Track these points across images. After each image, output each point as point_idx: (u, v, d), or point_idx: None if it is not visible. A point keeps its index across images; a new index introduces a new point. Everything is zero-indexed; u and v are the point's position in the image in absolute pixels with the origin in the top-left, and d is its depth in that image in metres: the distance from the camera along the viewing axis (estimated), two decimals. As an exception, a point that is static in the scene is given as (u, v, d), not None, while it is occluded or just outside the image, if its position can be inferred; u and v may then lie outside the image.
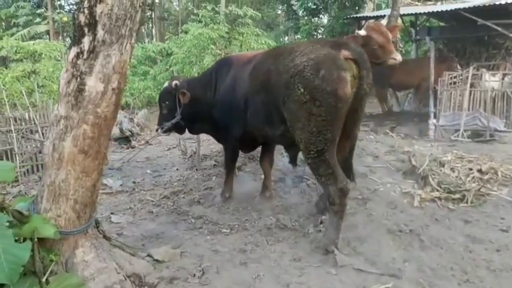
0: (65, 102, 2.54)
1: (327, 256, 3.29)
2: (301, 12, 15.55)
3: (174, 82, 4.61)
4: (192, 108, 4.53)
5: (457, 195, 4.38)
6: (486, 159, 5.46)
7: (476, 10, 8.16)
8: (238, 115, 4.03)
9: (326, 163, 3.21)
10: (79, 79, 2.49)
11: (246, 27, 11.75)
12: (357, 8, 14.99)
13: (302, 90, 3.14)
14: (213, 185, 5.36)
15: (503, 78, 8.78)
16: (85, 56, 2.46)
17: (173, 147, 8.65)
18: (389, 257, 3.25)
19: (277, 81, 3.40)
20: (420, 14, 10.07)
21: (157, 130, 4.98)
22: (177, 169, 6.66)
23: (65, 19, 18.41)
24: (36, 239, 2.58)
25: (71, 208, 2.74)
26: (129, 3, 2.47)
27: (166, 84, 4.89)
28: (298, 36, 15.49)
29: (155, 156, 7.94)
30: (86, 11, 2.41)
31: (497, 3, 7.94)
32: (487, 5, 8.05)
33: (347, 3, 14.70)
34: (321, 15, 15.38)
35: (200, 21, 12.03)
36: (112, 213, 4.66)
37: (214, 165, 6.39)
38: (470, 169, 5.08)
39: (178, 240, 3.86)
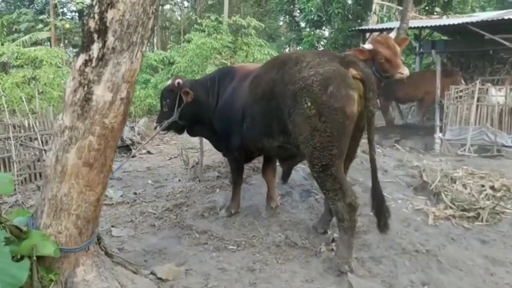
0: (71, 111, 2.39)
1: (341, 277, 3.12)
2: (304, 23, 15.55)
3: (177, 81, 4.51)
4: (192, 109, 4.47)
5: (472, 213, 4.24)
6: (497, 176, 5.33)
7: (484, 24, 8.10)
8: (237, 126, 3.98)
9: (333, 178, 3.11)
10: (86, 88, 2.35)
11: (250, 38, 11.69)
12: (359, 20, 14.99)
13: (309, 104, 3.06)
14: (216, 197, 5.18)
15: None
16: (93, 64, 2.32)
17: (175, 157, 8.48)
18: (407, 279, 3.09)
19: (282, 92, 3.30)
20: (427, 27, 10.02)
21: (155, 128, 4.89)
22: (179, 180, 6.48)
23: (67, 26, 18.34)
24: (35, 257, 2.42)
25: (73, 224, 2.59)
26: (142, 9, 2.34)
27: (169, 82, 4.79)
28: (301, 47, 15.46)
29: (156, 166, 7.77)
30: (96, 17, 2.28)
31: (506, 17, 7.89)
32: (495, 19, 7.99)
33: (349, 16, 14.69)
34: (324, 27, 15.38)
35: (203, 31, 11.96)
36: (112, 226, 4.48)
37: (218, 176, 6.21)
38: (483, 186, 4.94)
39: (182, 256, 3.69)
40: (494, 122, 7.84)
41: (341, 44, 14.76)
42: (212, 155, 8.34)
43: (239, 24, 11.70)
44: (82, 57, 2.33)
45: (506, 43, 7.83)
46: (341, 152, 3.13)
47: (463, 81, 9.63)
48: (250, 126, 3.80)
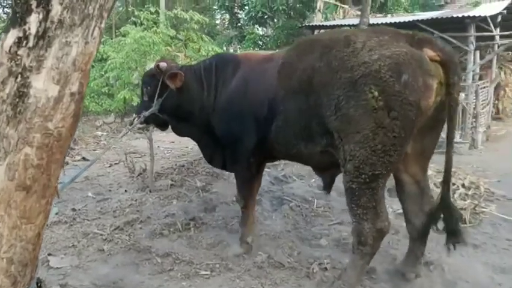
0: (-3, 113, 1.66)
1: (343, 303, 2.68)
2: (246, 20, 15.13)
3: (162, 64, 3.63)
4: (178, 101, 3.63)
5: (454, 215, 4.04)
6: (464, 173, 5.28)
7: (433, 22, 8.25)
8: (253, 126, 3.22)
9: (373, 193, 2.55)
10: (19, 78, 1.63)
11: (192, 32, 10.97)
12: (301, 19, 14.94)
13: (376, 94, 2.42)
14: (175, 210, 4.50)
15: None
16: (30, 44, 1.61)
17: (116, 164, 7.55)
18: (416, 299, 2.73)
19: (328, 81, 2.63)
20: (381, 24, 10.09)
21: (133, 119, 4.05)
22: (126, 191, 5.65)
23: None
24: None
25: (4, 272, 1.83)
26: (100, -33, 1.68)
27: (152, 65, 3.97)
28: (244, 44, 15.03)
29: (95, 175, 6.77)
30: (33, -26, 1.57)
31: (455, 15, 8.08)
32: (444, 17, 8.16)
33: (292, 14, 14.57)
34: (267, 25, 15.11)
35: (141, 24, 11.00)
36: (49, 254, 3.62)
37: (172, 185, 5.50)
38: (453, 184, 4.82)
39: (145, 289, 3.02)
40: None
41: (284, 42, 14.57)
42: (158, 160, 7.56)
43: (181, 18, 10.91)
44: (14, 34, 1.60)
45: (454, 41, 8.04)
46: (399, 159, 2.57)
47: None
48: (282, 127, 3.02)
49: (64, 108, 1.76)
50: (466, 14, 7.85)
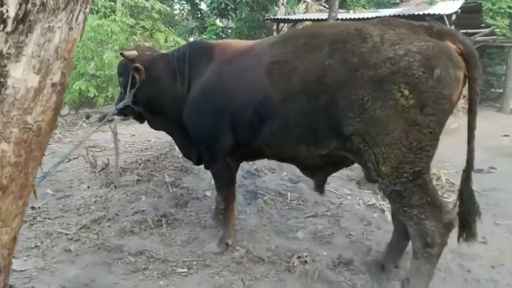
0: (-31, 105, 1.49)
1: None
2: (208, 12, 14.86)
3: (128, 52, 3.40)
4: (149, 93, 3.42)
5: (421, 206, 4.20)
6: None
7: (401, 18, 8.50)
8: (229, 126, 3.03)
9: (423, 188, 2.40)
10: (-4, 66, 1.47)
11: (153, 22, 10.63)
12: (264, 12, 14.89)
13: (407, 92, 2.29)
14: (144, 206, 4.35)
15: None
16: (8, 28, 1.46)
17: (75, 158, 7.15)
18: (394, 289, 2.81)
19: (346, 80, 2.43)
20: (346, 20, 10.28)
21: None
22: (88, 187, 5.35)
23: None
24: None
25: (-25, 280, 1.68)
26: None
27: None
28: (205, 36, 14.75)
29: (52, 171, 6.40)
30: (12, -50, 1.42)
31: (416, 13, 8.38)
32: (406, 14, 8.44)
33: (254, 7, 14.48)
34: (229, 17, 14.90)
35: (97, 12, 10.52)
36: (12, 257, 3.37)
37: (138, 180, 5.29)
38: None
39: (119, 291, 2.89)
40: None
41: (246, 34, 14.48)
42: (121, 153, 7.23)
43: (140, 7, 10.54)
44: (-11, 17, 1.44)
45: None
46: (435, 152, 2.45)
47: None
48: (277, 132, 2.80)
49: (44, 100, 1.62)
50: (426, 12, 8.19)
